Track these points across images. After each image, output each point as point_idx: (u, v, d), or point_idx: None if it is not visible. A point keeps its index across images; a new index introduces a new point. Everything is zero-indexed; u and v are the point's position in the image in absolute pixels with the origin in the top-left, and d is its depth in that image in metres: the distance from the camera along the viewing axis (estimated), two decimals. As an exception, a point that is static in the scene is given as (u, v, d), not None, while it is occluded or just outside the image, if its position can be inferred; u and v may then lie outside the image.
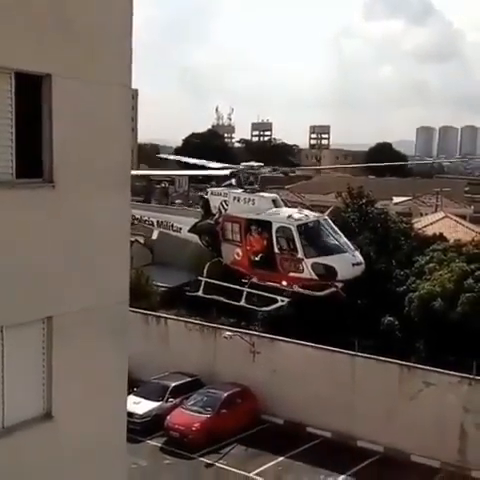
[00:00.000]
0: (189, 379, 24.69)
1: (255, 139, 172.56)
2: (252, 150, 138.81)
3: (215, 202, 20.32)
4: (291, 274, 18.34)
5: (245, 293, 19.69)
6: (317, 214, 19.46)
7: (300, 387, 23.03)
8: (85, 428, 9.46)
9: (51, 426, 9.09)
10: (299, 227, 18.09)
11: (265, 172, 20.65)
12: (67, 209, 9.01)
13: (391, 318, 25.37)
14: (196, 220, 21.15)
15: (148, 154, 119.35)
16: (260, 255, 18.93)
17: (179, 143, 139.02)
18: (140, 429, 21.50)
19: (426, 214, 46.43)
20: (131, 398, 21.70)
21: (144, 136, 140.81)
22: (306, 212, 19.29)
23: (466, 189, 75.03)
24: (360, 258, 18.27)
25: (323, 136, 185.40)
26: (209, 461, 20.96)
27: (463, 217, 44.39)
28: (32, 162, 8.65)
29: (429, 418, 20.77)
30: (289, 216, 18.46)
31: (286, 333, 24.10)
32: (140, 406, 22.87)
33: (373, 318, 25.03)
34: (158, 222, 21.64)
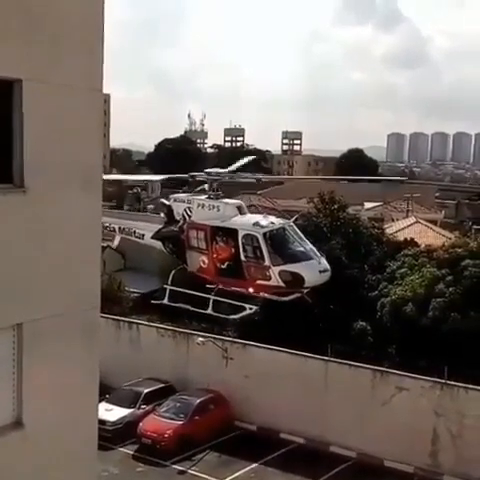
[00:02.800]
0: (162, 385, 24.52)
1: (228, 145, 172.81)
2: (224, 156, 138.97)
3: (179, 209, 20.17)
4: (258, 282, 18.29)
5: (212, 301, 19.59)
6: (283, 220, 19.43)
7: (273, 393, 23.01)
8: (56, 436, 9.34)
9: (21, 434, 8.96)
10: (265, 235, 18.04)
11: (229, 177, 20.58)
12: (38, 214, 8.91)
13: (363, 323, 25.49)
14: (159, 226, 20.97)
15: (120, 159, 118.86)
16: (227, 263, 18.81)
17: (152, 148, 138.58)
18: (112, 436, 21.28)
19: (397, 219, 46.90)
20: (103, 405, 21.49)
21: (116, 141, 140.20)
22: (272, 219, 19.23)
23: (437, 195, 76.05)
24: (326, 265, 18.31)
25: (295, 142, 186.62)
26: (182, 468, 20.83)
27: (434, 222, 44.98)
28: (2, 167, 8.53)
29: (402, 423, 20.88)
30: (255, 223, 18.39)
31: (259, 339, 24.07)
32: (112, 413, 22.64)
33: (345, 323, 25.15)
34: (120, 228, 21.45)
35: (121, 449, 21.89)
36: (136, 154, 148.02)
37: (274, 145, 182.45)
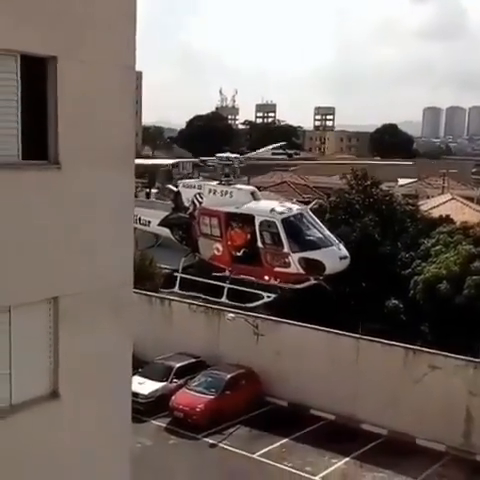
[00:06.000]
0: (193, 360, 24.74)
1: (259, 121, 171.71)
2: (256, 131, 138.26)
3: (188, 195, 19.81)
4: (276, 269, 18.03)
5: (226, 289, 19.50)
6: (299, 206, 19.14)
7: (304, 369, 23.06)
8: (90, 407, 9.56)
9: (57, 405, 9.19)
10: (284, 221, 17.75)
11: (242, 162, 20.24)
12: (72, 190, 9.01)
13: (396, 301, 25.35)
14: (165, 213, 20.63)
15: (152, 136, 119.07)
16: (242, 250, 18.55)
17: (183, 125, 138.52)
18: (145, 409, 21.56)
19: (432, 196, 46.23)
20: (136, 378, 21.76)
21: (148, 118, 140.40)
22: (288, 204, 18.96)
23: (473, 171, 74.64)
24: (346, 251, 18.06)
25: (328, 117, 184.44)
26: (213, 441, 21.05)
27: (470, 199, 44.18)
28: (38, 144, 8.64)
29: (434, 402, 20.72)
30: (272, 209, 18.08)
31: (290, 316, 24.07)
32: (145, 386, 22.95)
33: (378, 301, 25.01)
34: None
35: (154, 422, 22.21)
36: (168, 131, 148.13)
37: (306, 121, 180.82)
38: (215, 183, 19.45)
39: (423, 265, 24.99)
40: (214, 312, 25.74)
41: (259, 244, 18.15)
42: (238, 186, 19.38)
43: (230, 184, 19.24)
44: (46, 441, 9.05)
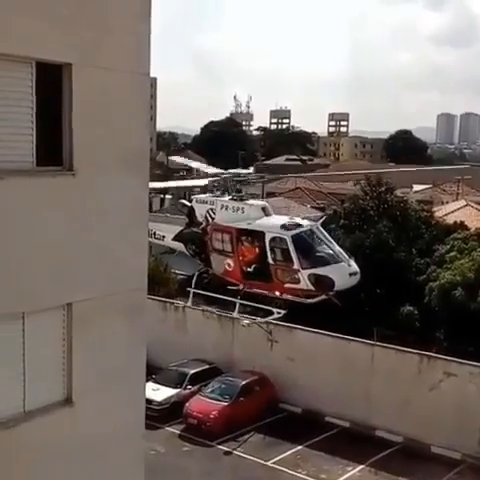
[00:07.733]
0: (207, 366, 24.74)
1: (273, 127, 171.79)
2: (270, 138, 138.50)
3: (201, 210, 19.93)
4: (286, 285, 18.08)
5: (238, 304, 19.67)
6: (310, 222, 19.17)
7: (318, 376, 22.97)
8: (104, 414, 9.53)
9: (71, 411, 9.17)
10: (294, 237, 17.77)
11: (253, 179, 20.26)
12: (86, 196, 9.04)
13: (411, 307, 25.19)
14: (180, 228, 20.84)
15: (167, 142, 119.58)
16: (253, 266, 18.64)
17: (197, 131, 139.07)
18: (158, 416, 21.56)
19: (447, 202, 46.01)
20: (150, 385, 21.77)
21: (163, 124, 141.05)
22: (298, 220, 19.01)
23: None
24: (356, 267, 17.99)
25: (342, 123, 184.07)
26: (227, 449, 20.99)
27: (485, 205, 43.80)
28: (52, 150, 8.68)
29: (449, 409, 20.57)
30: (282, 226, 18.13)
31: (305, 322, 23.99)
32: (159, 393, 22.96)
33: (392, 307, 24.87)
34: None
35: (167, 428, 22.20)
36: (182, 137, 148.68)
37: (320, 127, 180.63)
38: (227, 198, 19.54)
39: (438, 271, 24.85)
40: (228, 319, 25.71)
41: (269, 260, 18.18)
42: (250, 202, 19.52)
43: (242, 200, 19.36)
44: (59, 447, 9.03)
